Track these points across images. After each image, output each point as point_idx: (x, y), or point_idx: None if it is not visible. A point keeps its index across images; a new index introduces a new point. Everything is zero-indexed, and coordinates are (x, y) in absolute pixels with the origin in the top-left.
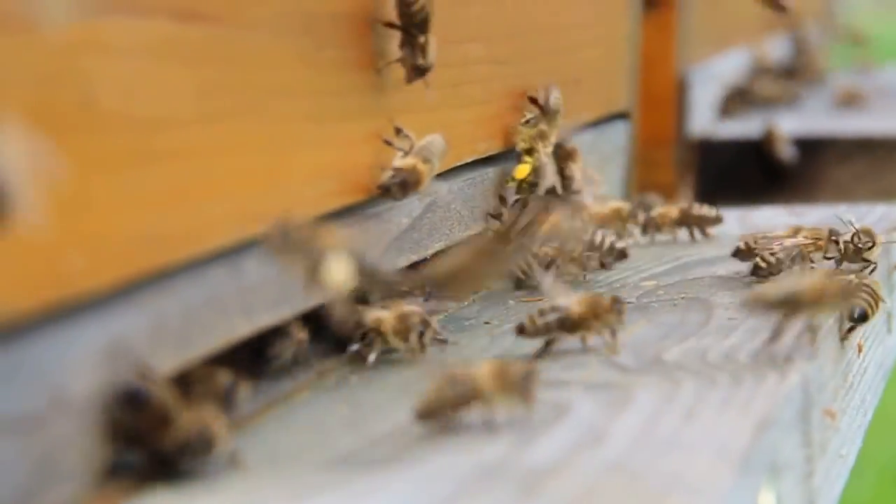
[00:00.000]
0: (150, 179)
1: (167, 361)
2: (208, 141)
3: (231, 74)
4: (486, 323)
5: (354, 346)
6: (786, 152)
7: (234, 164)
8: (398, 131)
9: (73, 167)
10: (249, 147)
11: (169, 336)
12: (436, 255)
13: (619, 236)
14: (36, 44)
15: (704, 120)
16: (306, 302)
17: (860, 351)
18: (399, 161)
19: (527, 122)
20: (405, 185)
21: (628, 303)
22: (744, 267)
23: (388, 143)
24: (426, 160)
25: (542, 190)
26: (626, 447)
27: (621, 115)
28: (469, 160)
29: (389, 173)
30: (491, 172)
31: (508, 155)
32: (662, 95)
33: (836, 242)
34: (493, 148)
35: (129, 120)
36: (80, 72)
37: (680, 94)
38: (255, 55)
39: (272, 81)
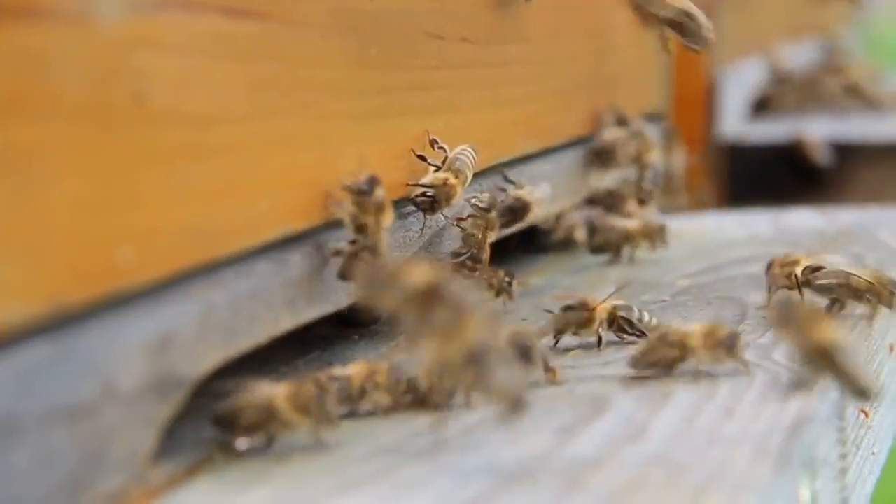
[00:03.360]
0: (201, 174)
1: (214, 353)
2: (257, 137)
3: (280, 71)
4: None
5: None
6: (817, 157)
7: (282, 160)
8: (433, 143)
9: (125, 163)
10: (297, 143)
11: (216, 328)
12: None
13: None
14: (90, 40)
15: (734, 123)
16: (349, 298)
17: (892, 350)
18: (430, 177)
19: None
20: (436, 202)
21: (663, 301)
22: None
23: (422, 159)
24: (458, 173)
25: None
26: (666, 442)
27: (655, 117)
28: (507, 159)
29: (420, 190)
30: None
31: (546, 154)
32: (693, 98)
33: None
34: (531, 147)
35: (180, 116)
36: (133, 68)
37: (710, 97)
38: (304, 52)
39: (319, 79)
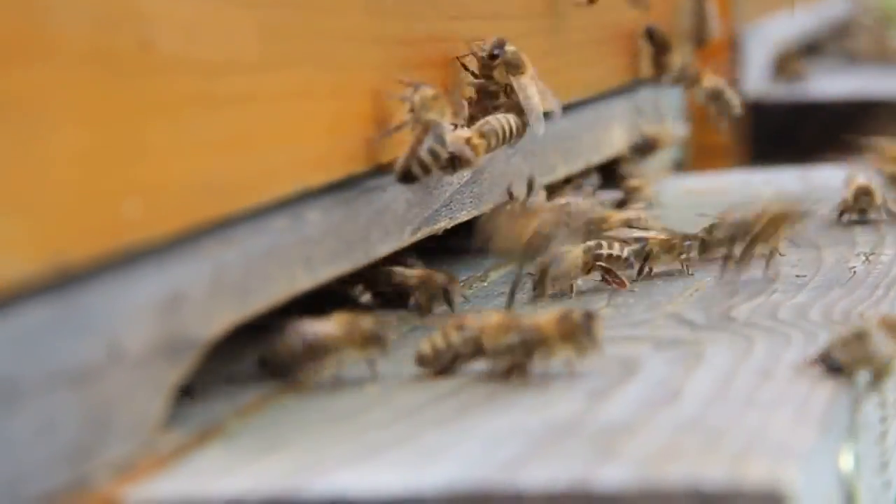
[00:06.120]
0: (211, 126)
1: (226, 313)
2: (271, 87)
3: (294, 19)
4: None
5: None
6: None
7: (297, 112)
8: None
9: (131, 112)
10: (312, 94)
11: (229, 287)
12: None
13: None
14: None
15: (757, 80)
16: (367, 256)
17: None
18: (452, 135)
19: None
20: (458, 160)
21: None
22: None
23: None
24: (484, 135)
25: None
26: (701, 405)
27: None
28: None
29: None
30: None
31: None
32: (715, 56)
33: None
34: None
35: (188, 64)
36: (138, 12)
37: (733, 54)
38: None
39: (335, 27)
